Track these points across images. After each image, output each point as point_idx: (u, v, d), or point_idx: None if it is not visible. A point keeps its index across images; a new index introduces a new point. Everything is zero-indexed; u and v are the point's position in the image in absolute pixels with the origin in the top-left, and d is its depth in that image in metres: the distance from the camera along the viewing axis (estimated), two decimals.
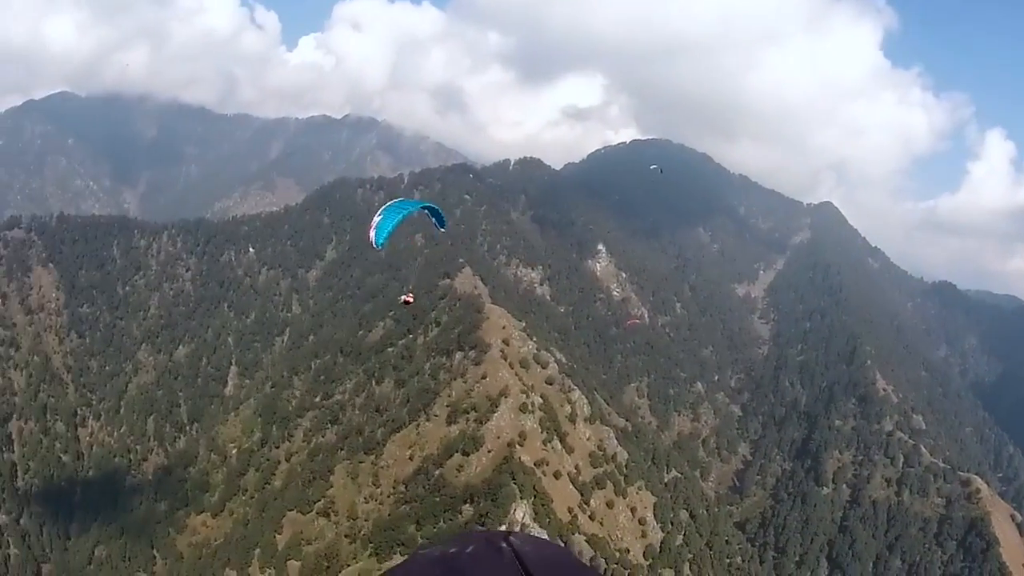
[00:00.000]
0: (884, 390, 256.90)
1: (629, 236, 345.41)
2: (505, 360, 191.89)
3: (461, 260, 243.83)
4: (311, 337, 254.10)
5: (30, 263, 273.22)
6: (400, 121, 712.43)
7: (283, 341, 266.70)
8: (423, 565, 4.94)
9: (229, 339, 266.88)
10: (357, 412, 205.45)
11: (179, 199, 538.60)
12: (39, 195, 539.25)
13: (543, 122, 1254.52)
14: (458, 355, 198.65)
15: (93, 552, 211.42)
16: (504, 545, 5.01)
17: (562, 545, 4.62)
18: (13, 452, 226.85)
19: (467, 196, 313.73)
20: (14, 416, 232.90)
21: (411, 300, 69.59)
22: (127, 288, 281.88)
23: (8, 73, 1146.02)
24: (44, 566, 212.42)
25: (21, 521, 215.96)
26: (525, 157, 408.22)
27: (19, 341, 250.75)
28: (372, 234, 41.34)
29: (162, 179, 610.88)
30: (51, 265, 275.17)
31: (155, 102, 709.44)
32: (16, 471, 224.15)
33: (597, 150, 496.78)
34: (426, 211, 45.08)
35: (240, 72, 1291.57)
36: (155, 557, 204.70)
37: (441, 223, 45.20)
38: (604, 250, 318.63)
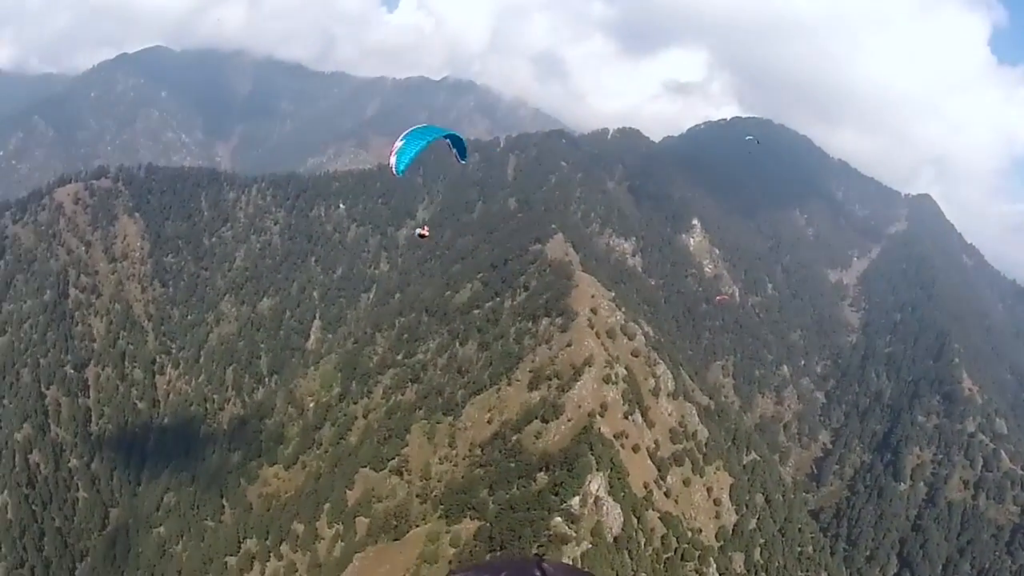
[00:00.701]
0: (969, 390, 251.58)
1: (725, 213, 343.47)
2: (592, 329, 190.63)
3: (553, 226, 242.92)
4: (397, 295, 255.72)
5: (116, 212, 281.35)
6: (499, 86, 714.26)
7: (369, 298, 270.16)
8: None
9: (314, 293, 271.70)
10: (438, 373, 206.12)
11: (271, 155, 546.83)
12: (130, 147, 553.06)
13: (644, 95, 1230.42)
14: (544, 321, 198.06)
15: (162, 499, 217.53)
16: (537, 573, 5.05)
17: (592, 573, 5.63)
18: (88, 398, 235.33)
19: (563, 163, 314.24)
20: (91, 362, 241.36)
21: (426, 233, 66.81)
22: (213, 239, 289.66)
23: (102, 27, 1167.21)
24: (112, 511, 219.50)
25: (92, 466, 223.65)
26: (624, 128, 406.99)
27: (101, 288, 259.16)
28: (393, 160, 40.91)
29: (255, 134, 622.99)
30: (137, 215, 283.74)
31: (250, 58, 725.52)
32: (91, 416, 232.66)
33: (697, 125, 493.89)
34: (448, 140, 44.36)
35: (339, 31, 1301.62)
36: (224, 507, 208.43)
37: (462, 155, 44.90)
38: (699, 225, 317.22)
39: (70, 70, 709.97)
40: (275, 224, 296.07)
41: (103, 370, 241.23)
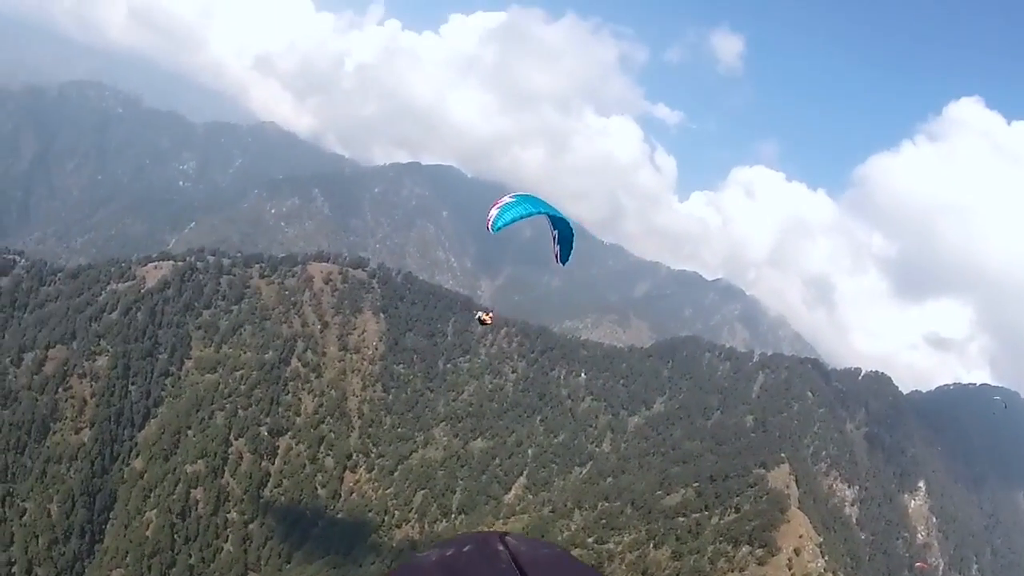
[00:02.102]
0: None
1: (952, 480, 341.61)
2: (790, 571, 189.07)
3: (783, 455, 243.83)
4: (609, 479, 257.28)
5: (362, 305, 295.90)
6: (767, 300, 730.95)
7: (581, 472, 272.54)
8: (423, 568, 5.28)
9: (529, 451, 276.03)
10: (623, 568, 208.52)
11: (532, 304, 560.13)
12: (398, 251, 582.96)
13: (903, 342, 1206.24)
14: (745, 548, 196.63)
15: None
16: (500, 547, 5.44)
17: (558, 546, 5.77)
18: (272, 464, 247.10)
19: (809, 393, 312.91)
20: (288, 433, 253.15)
21: (488, 321, 63.67)
22: (448, 365, 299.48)
23: (405, 129, 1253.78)
24: (252, 574, 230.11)
25: (249, 526, 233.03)
26: (875, 372, 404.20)
27: (323, 370, 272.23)
28: (494, 213, 40.07)
29: (523, 280, 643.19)
30: (382, 316, 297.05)
31: None
32: (267, 481, 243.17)
33: (946, 384, 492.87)
34: (555, 230, 43.49)
35: (628, 204, 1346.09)
36: None
37: (564, 255, 44.04)
38: (923, 488, 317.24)
39: (361, 158, 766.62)
40: (512, 372, 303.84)
41: (296, 445, 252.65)
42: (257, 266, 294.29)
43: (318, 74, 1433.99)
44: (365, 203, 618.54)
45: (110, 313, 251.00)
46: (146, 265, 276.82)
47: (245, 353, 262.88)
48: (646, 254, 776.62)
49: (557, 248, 43.45)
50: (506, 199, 40.26)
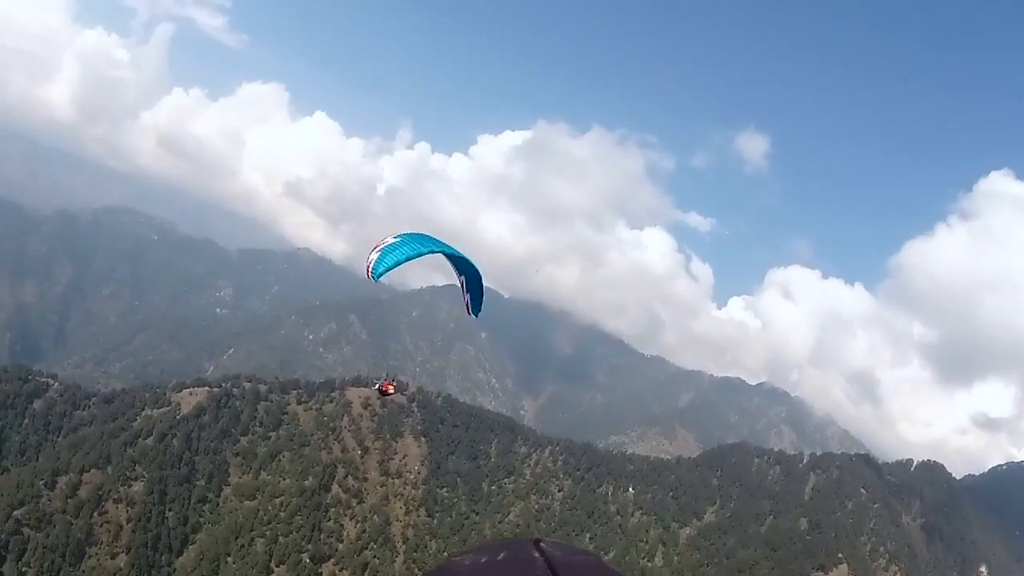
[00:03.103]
0: None
1: (1015, 560, 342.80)
2: None
3: (841, 555, 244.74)
4: None
5: (403, 430, 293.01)
6: (812, 400, 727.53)
7: None
8: (460, 572, 5.20)
9: None
10: None
11: (576, 421, 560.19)
12: (438, 374, 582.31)
13: (952, 427, 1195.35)
14: None
15: None
16: (535, 552, 5.31)
17: (592, 553, 5.33)
18: None
19: (863, 489, 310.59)
20: (331, 560, 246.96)
21: (391, 391, 58.90)
22: (492, 487, 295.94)
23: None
24: None
25: None
26: (927, 460, 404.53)
27: (365, 496, 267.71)
28: (374, 257, 36.27)
29: (565, 397, 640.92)
30: (423, 440, 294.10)
31: (576, 321, 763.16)
32: None
33: (999, 465, 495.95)
34: (461, 277, 39.15)
35: (666, 315, 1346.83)
36: None
37: (476, 306, 39.54)
38: (986, 572, 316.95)
39: (398, 283, 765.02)
40: (559, 491, 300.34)
41: (340, 572, 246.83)
42: (294, 392, 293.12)
43: (350, 199, 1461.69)
44: (403, 327, 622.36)
45: (145, 439, 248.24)
46: (181, 391, 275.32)
47: (284, 479, 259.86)
48: (688, 363, 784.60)
49: (467, 297, 39.26)
50: (389, 239, 36.51)
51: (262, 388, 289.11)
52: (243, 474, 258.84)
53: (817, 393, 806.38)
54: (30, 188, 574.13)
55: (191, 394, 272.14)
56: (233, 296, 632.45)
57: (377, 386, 58.22)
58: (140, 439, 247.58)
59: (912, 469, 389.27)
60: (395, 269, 37.60)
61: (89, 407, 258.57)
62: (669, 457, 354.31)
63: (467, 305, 39.53)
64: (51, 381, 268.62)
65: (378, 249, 36.07)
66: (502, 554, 5.28)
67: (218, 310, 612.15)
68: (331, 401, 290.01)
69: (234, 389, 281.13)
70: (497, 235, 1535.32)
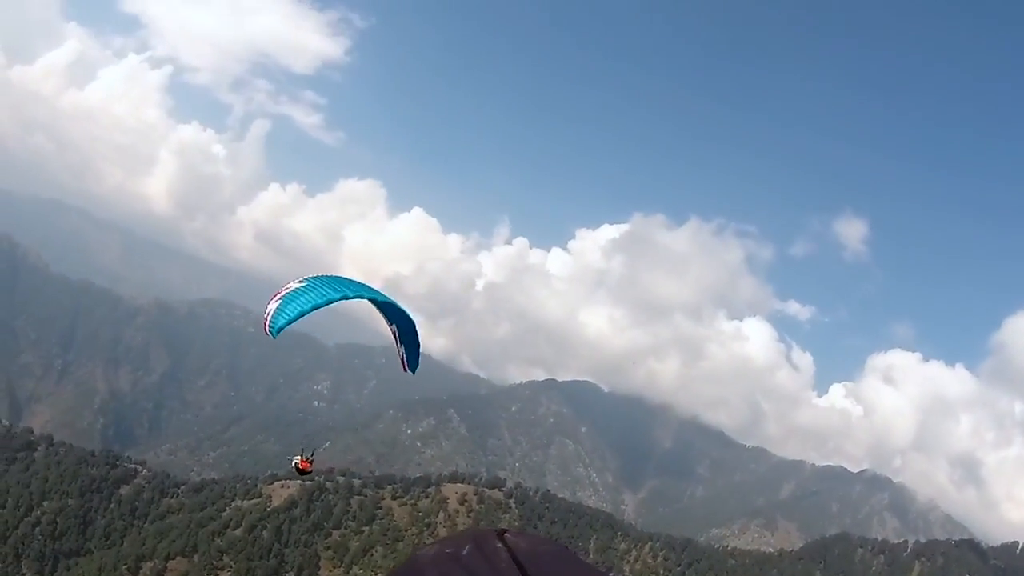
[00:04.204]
0: None
1: None
2: None
3: None
4: None
5: (500, 527, 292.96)
6: (915, 485, 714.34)
7: None
8: (425, 565, 5.18)
9: None
10: None
11: (677, 516, 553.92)
12: (537, 470, 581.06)
13: None
14: None
15: None
16: (499, 543, 5.34)
17: (557, 542, 5.33)
18: None
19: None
20: None
21: (308, 469, 50.47)
22: None
23: (539, 349, 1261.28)
24: None
25: None
26: None
27: None
28: (273, 307, 30.77)
29: (666, 492, 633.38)
30: None
31: (676, 414, 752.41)
32: None
33: None
34: (391, 324, 34.24)
35: (767, 406, 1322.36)
36: None
37: (412, 363, 35.05)
38: None
39: (497, 378, 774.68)
40: None
41: None
42: (389, 487, 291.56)
43: (449, 295, 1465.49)
44: (502, 422, 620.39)
45: (234, 529, 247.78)
46: (273, 483, 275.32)
47: (376, 574, 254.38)
48: (789, 453, 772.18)
49: (401, 350, 34.60)
50: (293, 284, 31.08)
51: (356, 482, 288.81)
52: (334, 568, 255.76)
53: (920, 478, 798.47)
54: (127, 279, 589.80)
55: (283, 486, 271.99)
56: (331, 390, 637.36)
57: (293, 463, 49.90)
58: (229, 529, 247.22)
59: (1018, 551, 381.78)
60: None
61: (178, 495, 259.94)
62: (771, 550, 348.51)
63: (402, 360, 35.06)
64: (139, 468, 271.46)
65: (278, 297, 30.73)
66: (467, 546, 5.31)
67: (315, 403, 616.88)
68: (427, 496, 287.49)
69: (328, 483, 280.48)
70: (597, 329, 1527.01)
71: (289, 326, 30.66)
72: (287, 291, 30.56)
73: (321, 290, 30.84)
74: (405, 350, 34.44)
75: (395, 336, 34.23)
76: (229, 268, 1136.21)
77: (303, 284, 30.89)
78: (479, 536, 5.46)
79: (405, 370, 35.26)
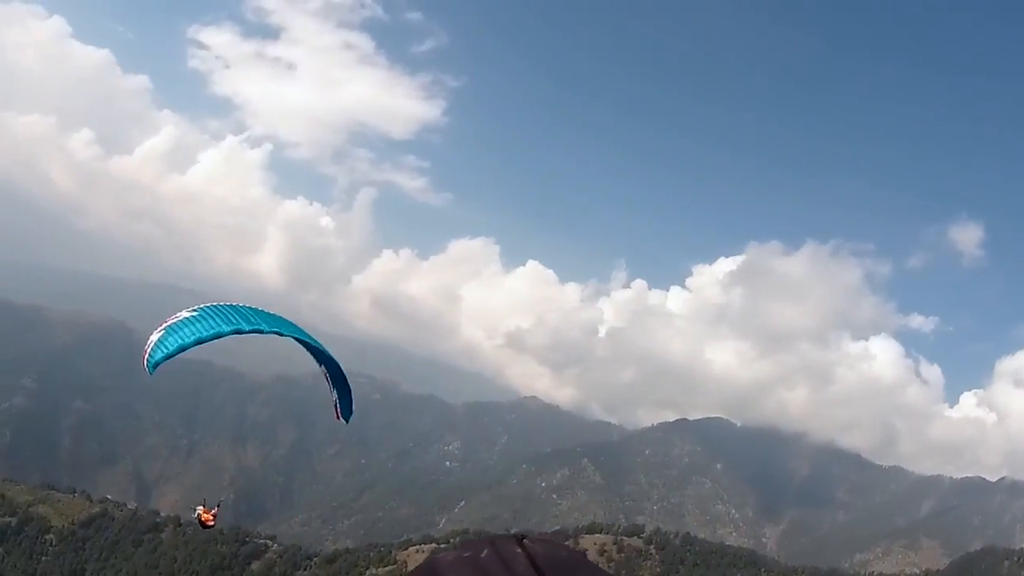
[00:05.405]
0: None
1: None
2: None
3: None
4: None
5: (641, 574, 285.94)
6: None
7: None
8: (444, 567, 5.29)
9: None
10: None
11: (819, 545, 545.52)
12: (675, 512, 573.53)
13: None
14: None
15: None
16: (518, 549, 5.43)
17: (574, 548, 6.03)
18: None
19: None
20: None
21: (211, 522, 46.45)
22: None
23: (667, 389, 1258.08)
24: None
25: None
26: None
27: None
28: (154, 338, 28.24)
29: (806, 521, 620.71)
30: None
31: (810, 441, 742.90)
32: None
33: None
34: (321, 367, 32.25)
35: (900, 424, 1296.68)
36: None
37: (345, 409, 33.03)
38: None
39: (628, 423, 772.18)
40: None
41: None
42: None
43: (572, 344, 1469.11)
44: (637, 467, 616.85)
45: None
46: (407, 548, 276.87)
47: None
48: (926, 469, 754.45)
49: (334, 396, 32.45)
50: (184, 314, 28.57)
51: None
52: None
53: None
54: (247, 355, 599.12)
55: (418, 551, 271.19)
56: (462, 449, 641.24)
57: (195, 515, 46.85)
58: None
59: None
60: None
61: (311, 567, 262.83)
62: (916, 571, 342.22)
63: (335, 407, 32.75)
64: (269, 542, 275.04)
65: (162, 328, 28.17)
66: (485, 551, 5.36)
67: (447, 463, 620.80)
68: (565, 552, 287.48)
69: None
70: (723, 364, 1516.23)
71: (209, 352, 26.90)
72: (173, 321, 28.17)
73: (210, 321, 28.12)
74: (338, 397, 32.57)
75: (327, 378, 32.29)
76: (348, 337, 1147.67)
77: (193, 313, 28.41)
78: (498, 541, 5.56)
79: (338, 418, 33.17)
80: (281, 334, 29.80)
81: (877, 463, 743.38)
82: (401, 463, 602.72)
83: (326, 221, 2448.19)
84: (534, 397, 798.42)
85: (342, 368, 31.88)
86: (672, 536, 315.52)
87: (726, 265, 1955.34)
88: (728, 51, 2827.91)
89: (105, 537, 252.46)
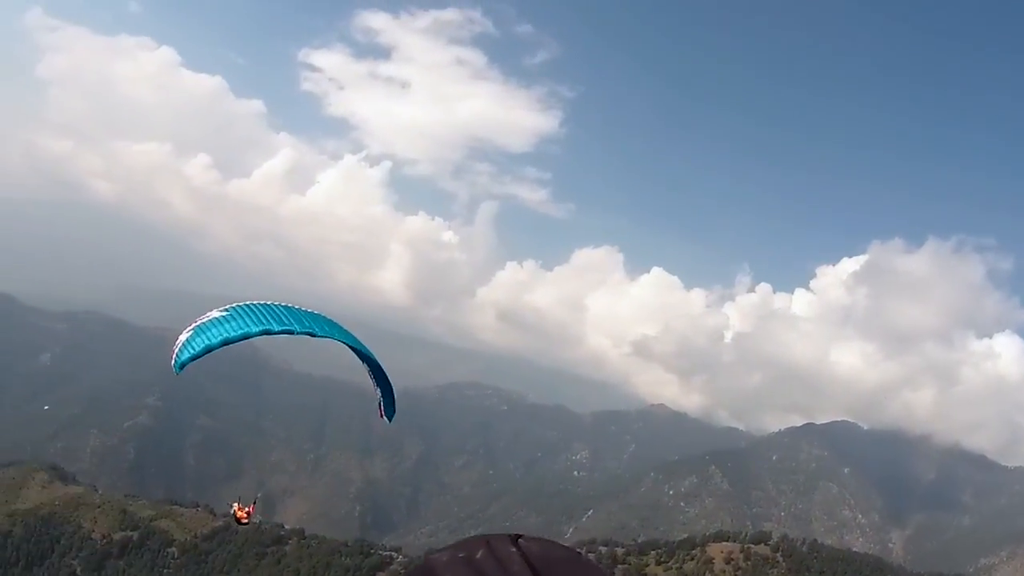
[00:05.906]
0: None
1: None
2: None
3: None
4: None
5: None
6: None
7: None
8: (439, 567, 5.69)
9: None
10: None
11: (945, 549, 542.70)
12: (803, 517, 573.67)
13: None
14: None
15: None
16: (513, 548, 5.83)
17: (570, 547, 8.76)
18: None
19: None
20: None
21: (245, 519, 48.48)
22: None
23: (793, 394, 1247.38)
24: None
25: None
26: None
27: None
28: (182, 339, 27.64)
29: (933, 525, 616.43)
30: None
31: (936, 444, 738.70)
32: None
33: None
34: (364, 364, 31.64)
35: None
36: None
37: (388, 408, 33.59)
38: None
39: (755, 429, 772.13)
40: None
41: None
42: (653, 552, 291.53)
43: (698, 351, 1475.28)
44: (764, 473, 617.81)
45: None
46: None
47: None
48: None
49: (378, 394, 33.10)
50: (214, 313, 28.08)
51: (619, 551, 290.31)
52: None
53: None
54: None
55: None
56: (589, 458, 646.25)
57: (231, 511, 48.80)
58: None
59: None
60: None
61: None
62: None
63: (379, 405, 33.62)
64: (394, 554, 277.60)
65: (191, 328, 27.80)
66: (480, 550, 5.72)
67: (575, 473, 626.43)
68: (692, 559, 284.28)
69: (590, 554, 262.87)
70: (848, 366, 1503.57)
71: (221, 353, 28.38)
72: (202, 321, 27.89)
73: (239, 321, 27.57)
74: (381, 395, 32.98)
75: (371, 376, 32.51)
76: (473, 350, 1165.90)
77: (224, 313, 27.93)
78: (493, 541, 5.82)
79: (382, 416, 33.90)
80: (314, 335, 28.56)
81: (1003, 464, 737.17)
82: (528, 473, 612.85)
83: (448, 235, 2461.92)
84: (661, 405, 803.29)
85: (379, 362, 31.54)
86: (799, 543, 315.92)
87: (850, 265, 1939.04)
88: (847, 48, 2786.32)
89: (228, 550, 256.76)
